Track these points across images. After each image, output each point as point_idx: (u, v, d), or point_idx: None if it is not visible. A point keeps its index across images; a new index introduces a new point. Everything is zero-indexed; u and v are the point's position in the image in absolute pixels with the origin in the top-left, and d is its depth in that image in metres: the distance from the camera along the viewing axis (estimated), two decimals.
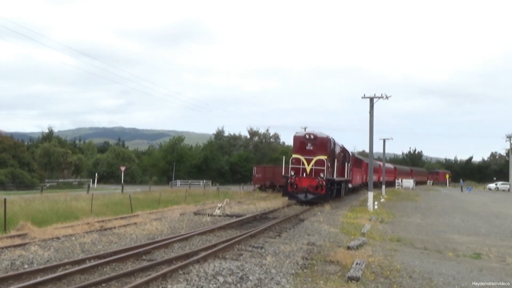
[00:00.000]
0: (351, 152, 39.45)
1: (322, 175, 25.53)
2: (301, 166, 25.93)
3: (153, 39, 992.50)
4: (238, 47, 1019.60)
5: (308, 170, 25.77)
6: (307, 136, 26.72)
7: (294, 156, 26.34)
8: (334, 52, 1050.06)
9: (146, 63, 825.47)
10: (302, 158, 26.01)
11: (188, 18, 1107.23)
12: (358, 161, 44.22)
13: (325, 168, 25.75)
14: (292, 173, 25.83)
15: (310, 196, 25.49)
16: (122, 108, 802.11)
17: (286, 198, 27.85)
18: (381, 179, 48.83)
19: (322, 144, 26.56)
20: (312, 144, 26.37)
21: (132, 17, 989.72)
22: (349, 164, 34.03)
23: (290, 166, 26.06)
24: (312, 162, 25.77)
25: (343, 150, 33.09)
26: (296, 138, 27.47)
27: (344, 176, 31.93)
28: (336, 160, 28.42)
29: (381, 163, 52.81)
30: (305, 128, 52.12)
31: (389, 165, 72.83)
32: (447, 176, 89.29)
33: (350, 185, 37.09)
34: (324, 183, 25.53)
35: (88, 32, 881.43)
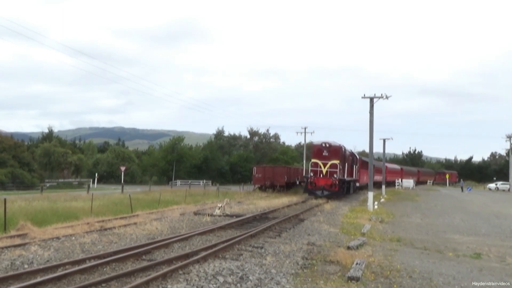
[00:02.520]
0: (359, 156, 44.54)
1: (335, 176, 31.38)
2: (318, 169, 31.85)
3: (152, 38, 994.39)
4: (238, 47, 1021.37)
5: (324, 172, 31.65)
6: (323, 145, 32.61)
7: (312, 160, 32.60)
8: (334, 52, 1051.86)
9: (145, 63, 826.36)
10: (319, 162, 31.94)
11: (187, 18, 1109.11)
12: (365, 163, 45.06)
13: (338, 170, 31.56)
14: (311, 174, 31.97)
15: (326, 193, 31.17)
16: (122, 108, 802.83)
17: (286, 198, 30.99)
18: (390, 179, 49.28)
19: (335, 151, 32.39)
20: (328, 151, 32.19)
21: (131, 16, 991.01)
22: (356, 166, 40.00)
23: (309, 168, 32.50)
24: (328, 165, 31.65)
25: (352, 154, 39.04)
26: (314, 146, 34.16)
27: (352, 177, 37.67)
28: (346, 163, 33.88)
29: (386, 165, 53.41)
30: (305, 129, 55.78)
31: (396, 166, 72.83)
32: (447, 176, 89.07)
33: (357, 184, 42.60)
34: (337, 182, 31.30)
35: (86, 32, 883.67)
